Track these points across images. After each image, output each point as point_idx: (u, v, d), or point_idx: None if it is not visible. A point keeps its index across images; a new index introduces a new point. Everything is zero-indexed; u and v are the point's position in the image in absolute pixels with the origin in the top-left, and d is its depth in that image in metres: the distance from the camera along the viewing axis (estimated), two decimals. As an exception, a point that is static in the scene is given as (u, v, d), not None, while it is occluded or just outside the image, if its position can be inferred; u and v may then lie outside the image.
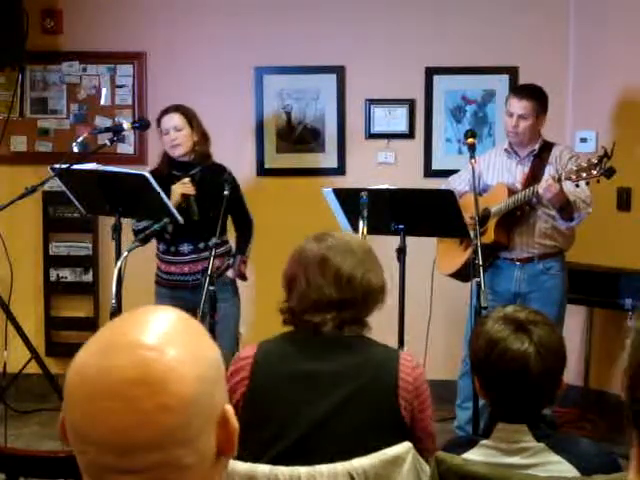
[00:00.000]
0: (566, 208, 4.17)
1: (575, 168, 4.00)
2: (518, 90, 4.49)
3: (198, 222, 4.23)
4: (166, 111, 4.33)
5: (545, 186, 4.05)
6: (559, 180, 4.04)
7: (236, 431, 1.14)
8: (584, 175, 3.95)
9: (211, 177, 4.31)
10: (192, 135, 4.30)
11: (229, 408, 1.14)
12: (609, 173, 3.89)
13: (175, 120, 4.28)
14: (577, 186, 4.05)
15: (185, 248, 4.32)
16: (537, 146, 4.40)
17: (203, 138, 4.35)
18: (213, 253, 3.83)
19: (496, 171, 4.49)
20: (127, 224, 4.22)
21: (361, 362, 2.30)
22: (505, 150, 4.48)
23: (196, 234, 4.27)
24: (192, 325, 1.15)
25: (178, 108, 4.31)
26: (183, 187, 4.19)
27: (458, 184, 4.55)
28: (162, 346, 1.07)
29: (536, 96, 4.33)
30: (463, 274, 4.34)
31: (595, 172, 3.90)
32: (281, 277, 2.44)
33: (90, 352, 1.09)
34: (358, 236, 2.48)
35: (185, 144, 4.28)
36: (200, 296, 3.74)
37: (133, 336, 1.08)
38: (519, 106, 4.30)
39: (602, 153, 3.91)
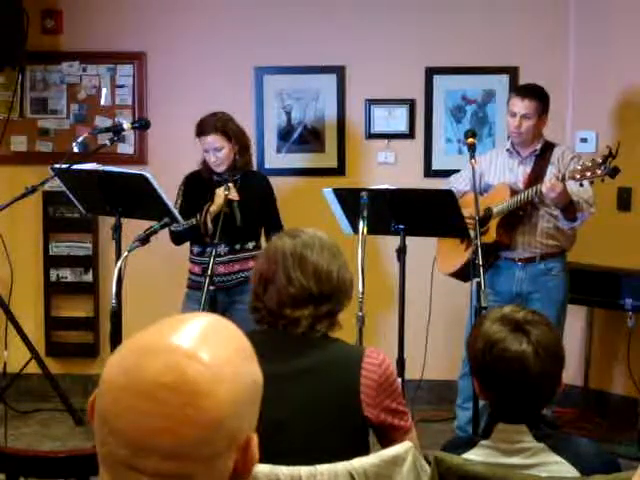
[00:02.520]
0: (569, 208, 4.16)
1: (579, 167, 3.98)
2: (521, 90, 4.45)
3: (237, 226, 4.23)
4: (204, 130, 4.25)
5: (549, 185, 4.03)
6: (563, 179, 4.03)
7: (255, 460, 1.11)
8: (588, 174, 3.93)
9: (251, 183, 4.34)
10: (232, 149, 4.28)
11: (254, 436, 1.11)
12: (613, 173, 3.86)
13: (214, 141, 4.23)
14: (581, 185, 4.04)
15: (221, 249, 4.27)
16: (539, 146, 4.39)
17: (243, 146, 4.34)
18: (214, 253, 3.82)
19: (498, 171, 4.48)
20: (127, 224, 4.22)
21: (323, 362, 2.29)
22: (507, 150, 4.47)
23: (233, 237, 4.26)
24: (241, 344, 1.12)
25: (216, 127, 4.24)
26: (228, 192, 4.14)
27: (459, 184, 4.55)
28: (204, 356, 1.06)
29: (539, 96, 4.32)
30: (463, 274, 4.33)
31: (600, 171, 3.88)
32: (254, 275, 2.42)
33: (131, 349, 1.08)
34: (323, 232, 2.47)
35: (225, 162, 4.27)
36: (235, 297, 4.10)
37: (174, 340, 1.06)
38: (522, 106, 4.29)
39: (607, 152, 3.89)
